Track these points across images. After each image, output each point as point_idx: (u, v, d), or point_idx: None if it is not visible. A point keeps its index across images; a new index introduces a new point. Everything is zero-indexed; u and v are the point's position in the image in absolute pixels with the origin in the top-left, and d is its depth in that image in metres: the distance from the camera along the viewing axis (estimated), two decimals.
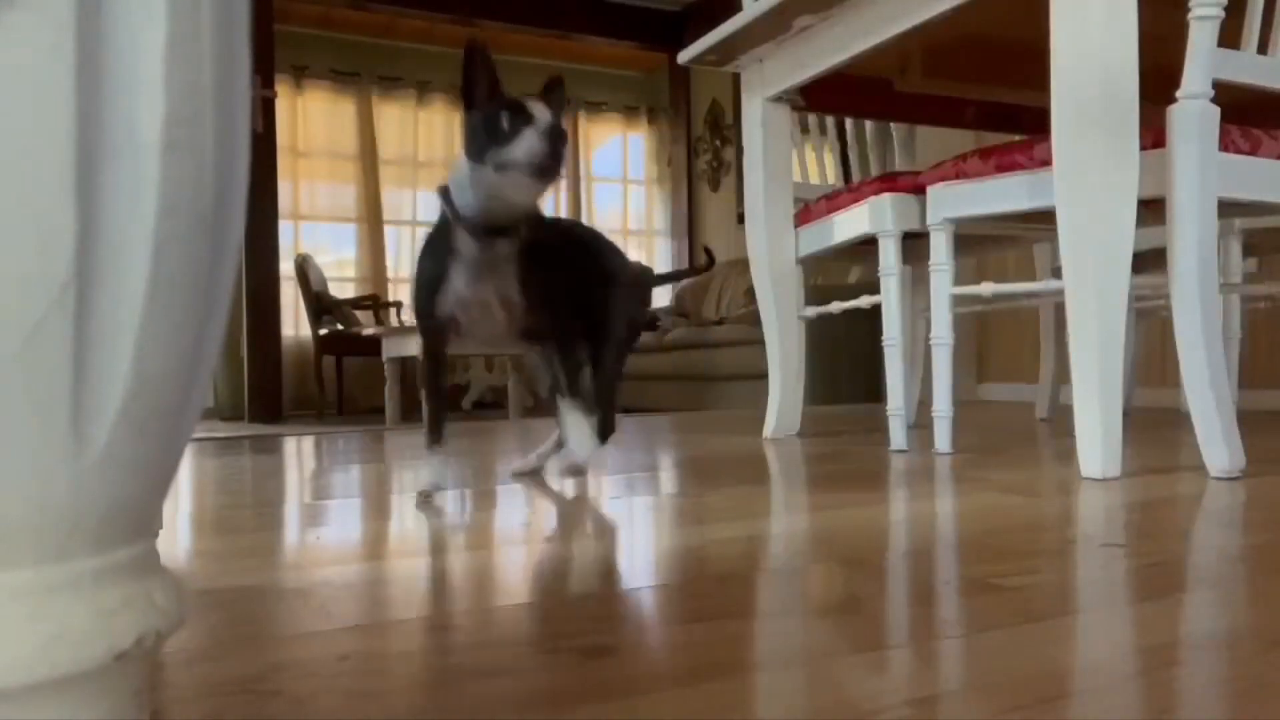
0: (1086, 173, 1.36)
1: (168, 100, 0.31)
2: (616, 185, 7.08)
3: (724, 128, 6.19)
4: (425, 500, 1.30)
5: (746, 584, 0.80)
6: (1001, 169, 1.62)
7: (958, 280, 1.78)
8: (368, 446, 2.28)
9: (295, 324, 5.63)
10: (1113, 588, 0.77)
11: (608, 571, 0.88)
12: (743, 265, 4.48)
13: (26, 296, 0.29)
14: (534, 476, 1.52)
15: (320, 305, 5.53)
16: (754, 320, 2.45)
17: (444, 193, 1.30)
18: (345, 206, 6.23)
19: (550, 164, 1.24)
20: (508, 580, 0.84)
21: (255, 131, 3.97)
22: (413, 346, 4.43)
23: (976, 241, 2.09)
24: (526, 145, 1.22)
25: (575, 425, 1.39)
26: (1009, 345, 3.77)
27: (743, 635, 0.65)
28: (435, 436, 1.39)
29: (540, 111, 1.25)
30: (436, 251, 1.32)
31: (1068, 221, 1.39)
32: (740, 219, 5.58)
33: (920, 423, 2.18)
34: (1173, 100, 1.37)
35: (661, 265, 6.87)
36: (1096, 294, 1.36)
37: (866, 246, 1.99)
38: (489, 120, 1.23)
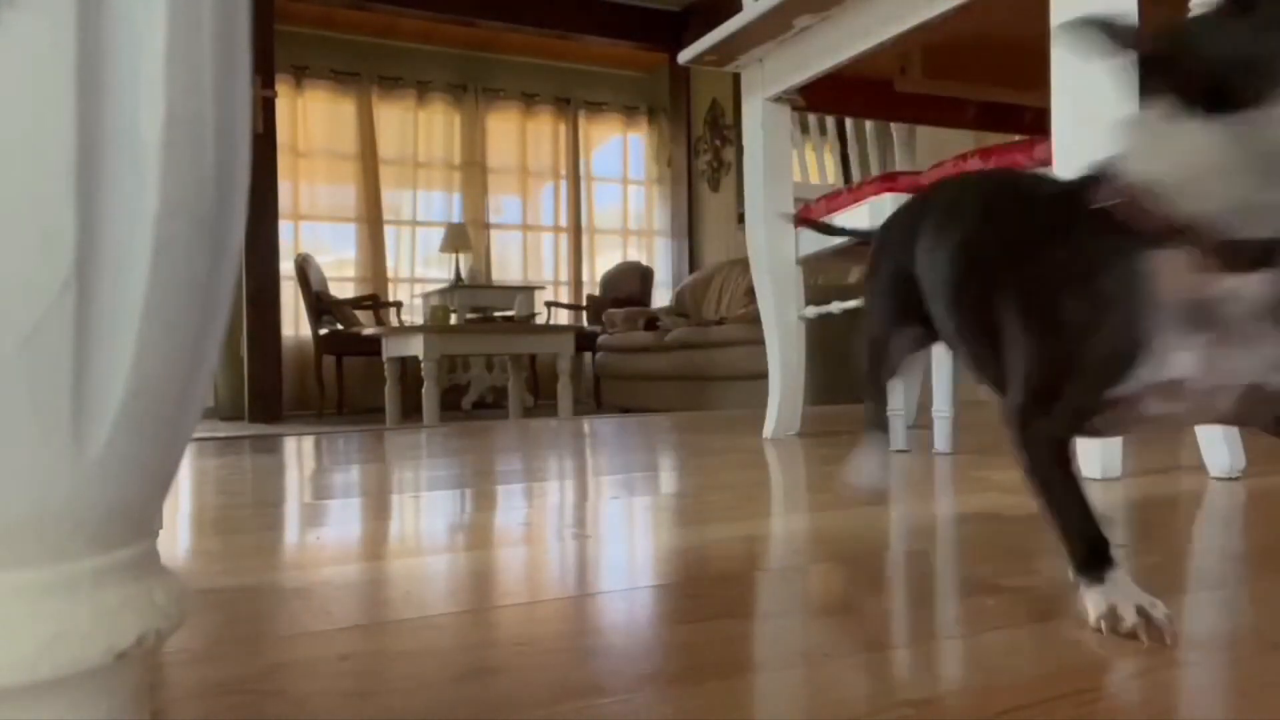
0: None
1: (168, 100, 0.31)
2: (616, 185, 7.08)
3: (724, 128, 6.19)
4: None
5: (746, 584, 0.80)
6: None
7: None
8: (368, 446, 2.28)
9: (295, 324, 5.63)
10: None
11: (607, 571, 0.88)
12: (743, 265, 4.48)
13: (26, 296, 0.29)
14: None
15: (320, 305, 5.54)
16: (754, 320, 2.45)
17: (1129, 185, 0.66)
18: (345, 206, 6.24)
19: None
20: (508, 580, 0.84)
21: (255, 131, 3.97)
22: (414, 346, 4.43)
23: None
24: None
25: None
26: None
27: (743, 635, 0.65)
28: None
29: None
30: (1117, 294, 0.66)
31: None
32: (740, 219, 5.58)
33: (920, 423, 2.18)
34: None
35: (661, 265, 6.88)
36: None
37: (867, 246, 1.99)
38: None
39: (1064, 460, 0.70)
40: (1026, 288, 0.73)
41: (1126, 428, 0.74)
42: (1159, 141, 0.66)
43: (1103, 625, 0.61)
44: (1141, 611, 0.62)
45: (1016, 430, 0.71)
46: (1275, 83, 0.58)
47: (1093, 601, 0.64)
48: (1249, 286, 0.63)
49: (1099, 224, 0.68)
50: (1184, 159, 0.64)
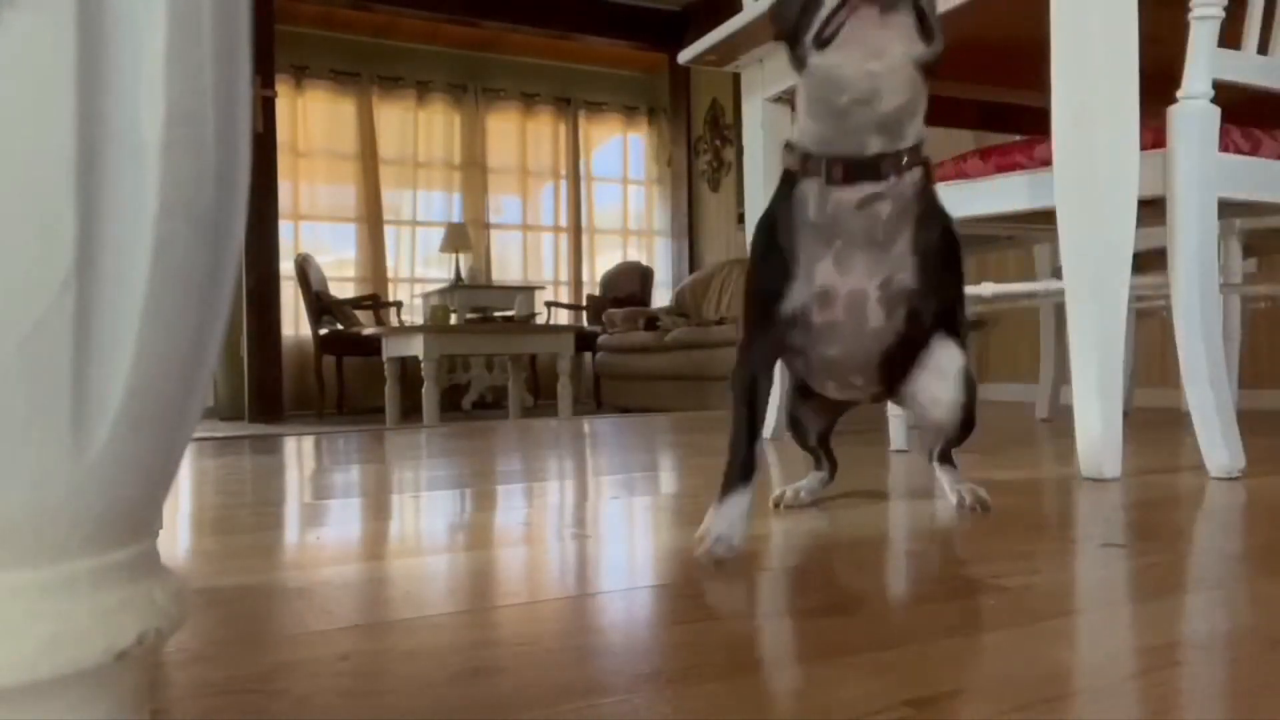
0: (1086, 173, 1.36)
1: (169, 100, 0.31)
2: (616, 185, 7.08)
3: (724, 128, 6.19)
4: (712, 560, 0.85)
5: (746, 584, 0.80)
6: (1001, 169, 1.62)
7: None
8: (368, 446, 2.28)
9: (295, 324, 5.64)
10: (1113, 588, 0.77)
11: (607, 571, 0.88)
12: (743, 265, 4.48)
13: (26, 296, 0.29)
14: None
15: (320, 305, 5.54)
16: None
17: (786, 145, 0.87)
18: (345, 206, 6.24)
19: None
20: (508, 580, 0.84)
21: (255, 131, 3.97)
22: (414, 346, 4.43)
23: (976, 241, 2.09)
24: None
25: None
26: (1009, 345, 3.77)
27: (743, 635, 0.65)
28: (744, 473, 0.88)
29: None
30: (779, 225, 0.86)
31: (1068, 221, 1.39)
32: (740, 219, 5.59)
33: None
34: (1173, 100, 1.37)
35: (661, 265, 6.88)
36: (1096, 294, 1.36)
37: None
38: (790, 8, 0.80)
39: (753, 395, 0.89)
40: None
41: (810, 349, 0.90)
42: (799, 116, 0.86)
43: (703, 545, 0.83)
44: (721, 537, 0.83)
45: (737, 362, 0.91)
46: (801, 47, 0.79)
47: (707, 520, 0.85)
48: (854, 196, 0.82)
49: (783, 182, 0.87)
50: (798, 105, 0.85)
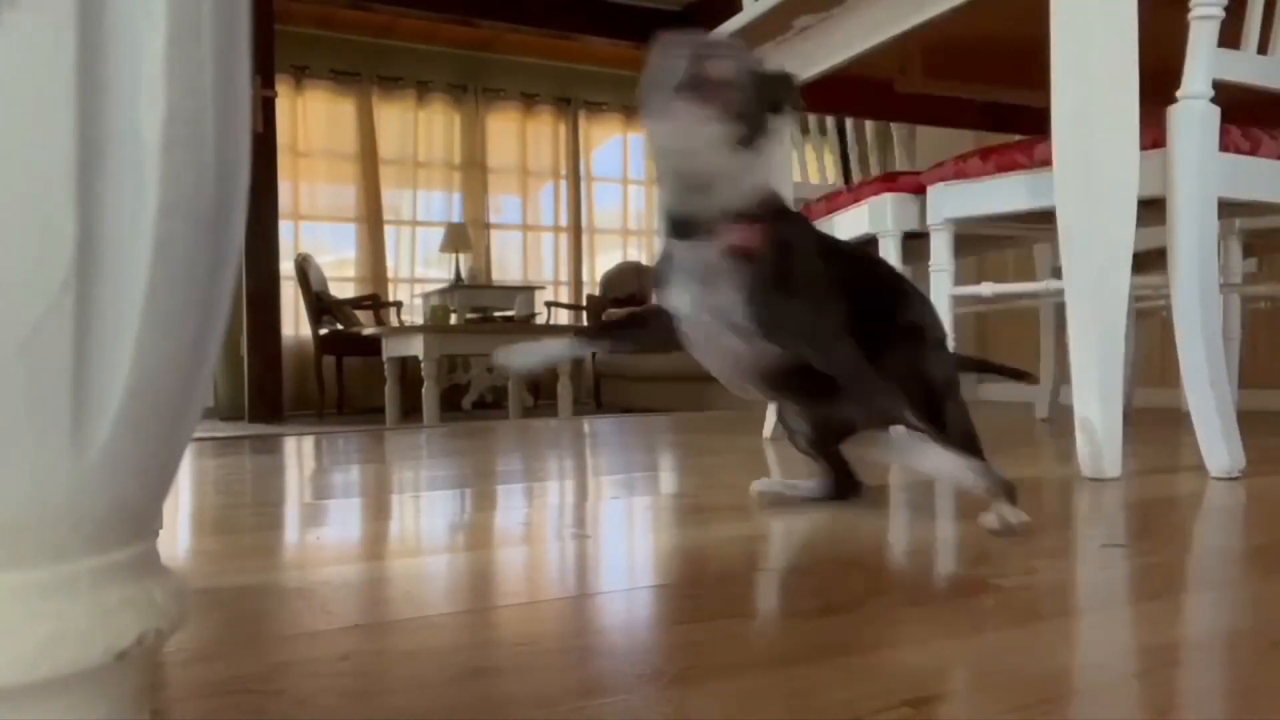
0: (1086, 173, 1.36)
1: (168, 100, 0.31)
2: (616, 185, 7.07)
3: None
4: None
5: (746, 584, 0.80)
6: (1001, 169, 1.62)
7: (958, 280, 1.78)
8: (368, 446, 2.28)
9: (295, 324, 5.63)
10: (1113, 588, 0.77)
11: (607, 571, 0.88)
12: None
13: (26, 296, 0.29)
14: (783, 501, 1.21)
15: (320, 305, 5.53)
16: None
17: None
18: (345, 206, 6.23)
19: (687, 73, 0.84)
20: (508, 580, 0.84)
21: (255, 131, 3.96)
22: (414, 346, 4.43)
23: (976, 241, 2.09)
24: (655, 58, 0.86)
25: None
26: (1009, 345, 3.77)
27: (743, 635, 0.65)
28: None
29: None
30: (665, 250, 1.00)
31: (1068, 221, 1.39)
32: None
33: None
34: (1173, 100, 1.37)
35: None
36: (1096, 294, 1.36)
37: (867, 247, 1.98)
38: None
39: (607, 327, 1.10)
40: None
41: (688, 346, 1.00)
42: None
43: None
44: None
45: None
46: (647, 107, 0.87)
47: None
48: (689, 249, 0.93)
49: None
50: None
